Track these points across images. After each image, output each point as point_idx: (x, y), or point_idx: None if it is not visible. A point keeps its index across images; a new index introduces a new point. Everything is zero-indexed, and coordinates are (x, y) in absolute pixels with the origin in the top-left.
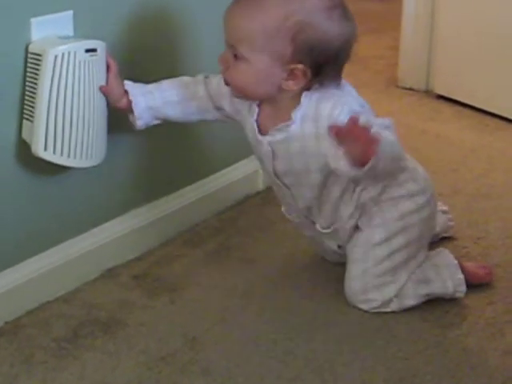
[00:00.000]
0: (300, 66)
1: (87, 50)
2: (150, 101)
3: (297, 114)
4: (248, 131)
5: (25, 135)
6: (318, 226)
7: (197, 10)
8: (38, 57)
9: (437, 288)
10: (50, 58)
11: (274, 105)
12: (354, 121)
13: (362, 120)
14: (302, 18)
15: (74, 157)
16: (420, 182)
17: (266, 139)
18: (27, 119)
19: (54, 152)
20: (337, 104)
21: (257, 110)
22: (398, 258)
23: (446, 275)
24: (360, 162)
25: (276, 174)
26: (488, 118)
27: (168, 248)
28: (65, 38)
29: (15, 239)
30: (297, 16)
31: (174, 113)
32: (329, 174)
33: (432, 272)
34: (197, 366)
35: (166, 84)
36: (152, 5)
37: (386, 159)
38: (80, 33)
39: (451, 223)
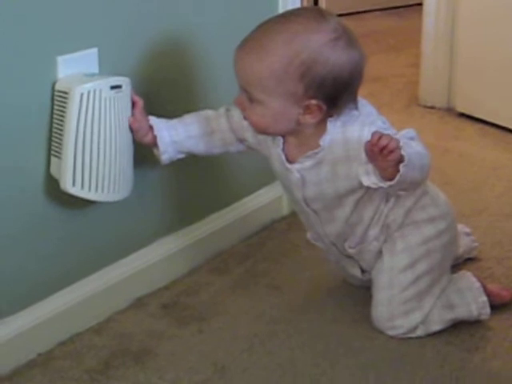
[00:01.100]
0: (314, 102)
1: (112, 87)
2: (174, 136)
3: (325, 141)
4: (274, 161)
5: (53, 171)
6: (346, 246)
7: (214, 45)
8: (65, 94)
9: (461, 312)
10: (77, 96)
11: (299, 135)
12: (378, 134)
13: (388, 133)
14: (308, 55)
15: (102, 191)
16: (441, 206)
17: (295, 167)
18: (55, 155)
19: (82, 187)
20: (364, 125)
21: (281, 140)
22: (422, 284)
23: (469, 299)
24: (390, 173)
25: (306, 201)
26: (510, 136)
27: (195, 276)
28: (90, 76)
29: (46, 272)
30: (302, 55)
31: (198, 147)
32: (360, 197)
33: (456, 296)
34: None
35: (188, 118)
36: (173, 40)
37: (414, 169)
38: (105, 69)
39: (475, 244)
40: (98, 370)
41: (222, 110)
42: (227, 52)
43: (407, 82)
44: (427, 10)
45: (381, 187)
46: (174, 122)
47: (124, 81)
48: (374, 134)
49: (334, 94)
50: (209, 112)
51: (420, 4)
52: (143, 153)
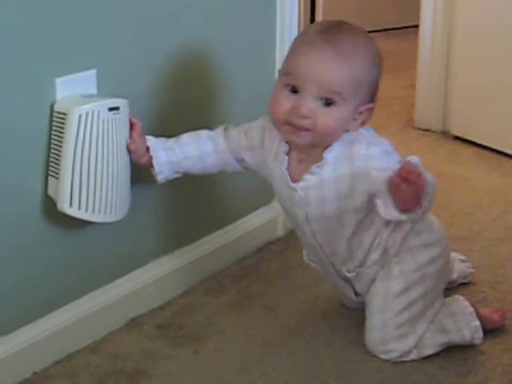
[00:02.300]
0: (370, 106)
1: (110, 109)
2: (171, 156)
3: (329, 155)
4: (275, 180)
5: (51, 192)
6: (344, 270)
7: (214, 64)
8: (63, 116)
9: (454, 337)
10: (75, 117)
11: (306, 151)
12: (409, 165)
13: (414, 163)
14: (380, 62)
15: (99, 212)
16: (435, 232)
17: (299, 185)
18: (53, 176)
19: (79, 208)
20: (370, 144)
21: (286, 158)
22: (416, 309)
23: (462, 324)
24: (409, 205)
25: (308, 221)
26: (505, 160)
27: (190, 297)
28: (88, 97)
29: (42, 292)
30: (378, 61)
31: (195, 167)
32: (361, 219)
33: (448, 321)
34: None
35: (185, 139)
36: (171, 62)
37: (431, 200)
38: (103, 91)
39: (470, 270)
40: None
41: (219, 130)
42: (226, 70)
43: (404, 105)
44: (423, 32)
45: (401, 220)
46: (171, 142)
47: (122, 103)
48: (406, 162)
49: (375, 97)
50: (206, 132)
51: (417, 26)
52: (139, 174)
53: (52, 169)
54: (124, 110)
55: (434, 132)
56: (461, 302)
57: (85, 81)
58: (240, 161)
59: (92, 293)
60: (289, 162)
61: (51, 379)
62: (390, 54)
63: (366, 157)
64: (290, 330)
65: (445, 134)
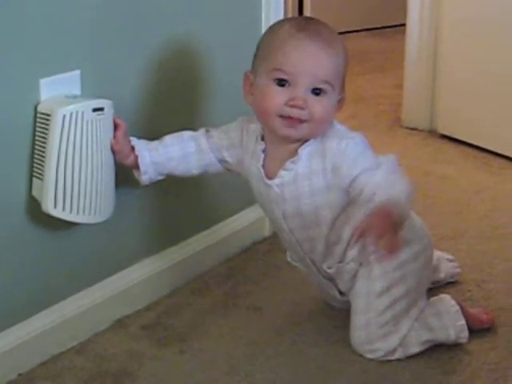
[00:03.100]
0: (344, 95)
1: (94, 110)
2: (155, 156)
3: (303, 151)
4: (253, 179)
5: (35, 193)
6: (324, 266)
7: (199, 64)
8: (47, 116)
9: (439, 335)
10: (59, 118)
11: (281, 148)
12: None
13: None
14: (346, 60)
15: (83, 213)
16: (416, 229)
17: (274, 182)
18: (37, 177)
19: (64, 209)
20: (343, 138)
21: (262, 155)
22: (399, 307)
23: (447, 322)
24: (391, 248)
25: (285, 219)
26: (492, 158)
27: (176, 297)
28: (72, 98)
29: (27, 293)
30: (345, 50)
31: (178, 168)
32: (337, 215)
33: (434, 320)
34: None
35: (169, 140)
36: (155, 62)
37: (406, 207)
38: (87, 91)
39: (457, 270)
40: None
41: (201, 131)
42: (211, 70)
43: (391, 104)
44: (410, 31)
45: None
46: (155, 143)
47: (106, 103)
48: (371, 219)
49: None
50: (188, 133)
51: (404, 25)
52: (124, 175)
53: (36, 170)
54: (108, 111)
55: (421, 131)
56: (447, 301)
57: (69, 81)
58: (222, 161)
59: (77, 294)
60: (265, 160)
61: (36, 381)
62: (377, 54)
63: (337, 152)
64: (277, 330)
65: (432, 132)
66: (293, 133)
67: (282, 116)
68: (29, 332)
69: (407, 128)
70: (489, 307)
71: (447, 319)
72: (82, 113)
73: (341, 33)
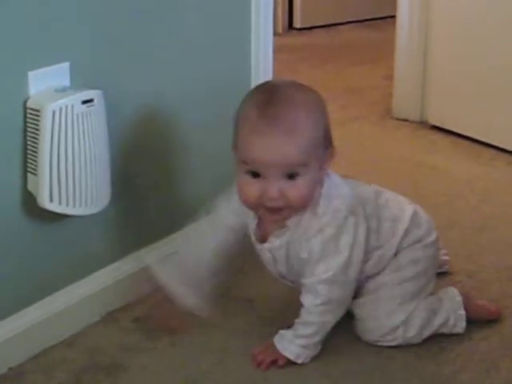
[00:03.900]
0: (330, 151)
1: (84, 102)
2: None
3: (290, 221)
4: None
5: (30, 187)
6: None
7: (191, 56)
8: (37, 112)
9: (439, 319)
10: (49, 113)
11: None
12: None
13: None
14: (323, 117)
15: (80, 205)
16: (423, 226)
17: (264, 247)
18: (31, 172)
19: (60, 203)
20: (323, 228)
21: (256, 220)
22: (407, 288)
23: (448, 308)
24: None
25: (281, 276)
26: (482, 149)
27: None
28: (61, 91)
29: (19, 286)
30: (321, 118)
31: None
32: None
33: (436, 304)
34: None
35: (188, 259)
36: (146, 52)
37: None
38: (77, 83)
39: (446, 258)
40: None
41: (203, 222)
42: (204, 59)
43: (382, 95)
44: (400, 22)
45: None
46: (179, 273)
47: (96, 94)
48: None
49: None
50: (197, 236)
51: (394, 16)
52: (120, 164)
53: (30, 165)
54: (98, 102)
55: (412, 122)
56: (451, 290)
57: (58, 73)
58: (231, 230)
59: (69, 287)
60: (259, 223)
61: (27, 374)
62: (368, 45)
63: (310, 239)
64: (268, 321)
65: (423, 123)
66: (278, 217)
67: (262, 206)
68: (20, 325)
69: (398, 119)
70: (480, 298)
71: (449, 305)
72: (72, 106)
73: (332, 25)
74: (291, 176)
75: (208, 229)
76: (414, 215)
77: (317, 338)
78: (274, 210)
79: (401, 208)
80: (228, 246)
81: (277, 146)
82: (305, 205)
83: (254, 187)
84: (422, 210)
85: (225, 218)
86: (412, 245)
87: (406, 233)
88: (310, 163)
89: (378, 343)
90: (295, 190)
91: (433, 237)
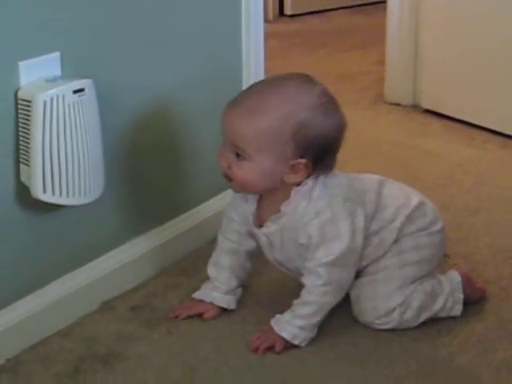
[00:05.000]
0: (302, 161)
1: (75, 91)
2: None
3: (286, 208)
4: (250, 226)
5: (23, 178)
6: None
7: (182, 45)
8: (28, 103)
9: (437, 301)
10: (40, 104)
11: (270, 197)
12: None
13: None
14: (300, 117)
15: (73, 195)
16: (429, 215)
17: (261, 231)
18: (24, 163)
19: (53, 193)
20: (319, 214)
21: (255, 205)
22: (408, 272)
23: (447, 290)
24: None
25: (278, 263)
26: (475, 132)
27: (164, 278)
28: (52, 81)
29: (14, 277)
30: (295, 116)
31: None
32: None
33: (435, 285)
34: None
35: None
36: (137, 41)
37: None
38: (68, 72)
39: None
40: (67, 374)
41: (221, 238)
42: (195, 47)
43: (373, 80)
44: (391, 8)
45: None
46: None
47: (87, 83)
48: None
49: (321, 155)
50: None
51: (385, 1)
52: (112, 155)
53: (23, 156)
54: (89, 91)
55: (404, 106)
56: (450, 273)
57: (49, 63)
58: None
59: (64, 276)
60: (257, 208)
61: (24, 365)
62: (359, 31)
63: (304, 228)
64: (264, 308)
65: (415, 107)
66: (232, 187)
67: None
68: (16, 316)
69: (390, 103)
70: (475, 280)
71: (448, 289)
72: (63, 96)
73: (323, 11)
74: (238, 155)
75: (221, 238)
76: (421, 204)
77: (315, 320)
78: (226, 177)
79: (407, 196)
80: (241, 248)
81: (230, 122)
82: (246, 189)
83: (219, 153)
84: (429, 201)
85: (231, 222)
86: (416, 232)
87: (410, 220)
88: (256, 154)
89: (374, 325)
90: (238, 169)
91: (438, 226)
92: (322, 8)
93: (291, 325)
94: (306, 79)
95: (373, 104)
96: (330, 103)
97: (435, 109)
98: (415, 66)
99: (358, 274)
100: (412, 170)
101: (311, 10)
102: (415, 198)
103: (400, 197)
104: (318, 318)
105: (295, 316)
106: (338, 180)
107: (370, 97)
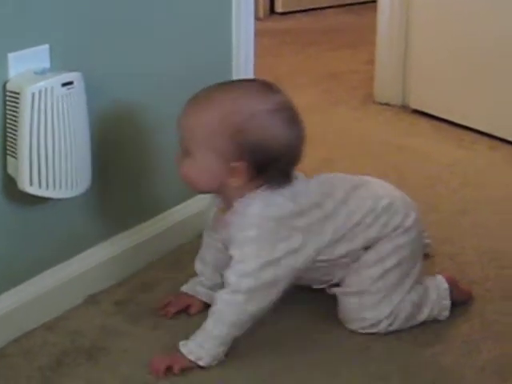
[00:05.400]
0: (240, 164)
1: (64, 84)
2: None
3: (231, 219)
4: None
5: (10, 171)
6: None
7: (169, 38)
8: (16, 95)
9: (423, 311)
10: (28, 96)
11: (225, 203)
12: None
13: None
14: (240, 119)
15: (60, 188)
16: (400, 211)
17: (217, 237)
18: (11, 155)
19: (40, 186)
20: (242, 229)
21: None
22: (391, 277)
23: (433, 299)
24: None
25: None
26: (464, 132)
27: (150, 272)
28: (41, 74)
29: None
30: (234, 117)
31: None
32: None
33: (422, 294)
34: None
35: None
36: (127, 33)
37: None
38: (57, 65)
39: (427, 241)
40: (50, 368)
41: (205, 234)
42: (185, 43)
43: (363, 79)
44: (381, 7)
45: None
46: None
47: (76, 76)
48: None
49: (262, 163)
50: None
51: (375, 1)
52: (98, 149)
53: (10, 148)
54: (78, 84)
55: (393, 106)
56: (438, 279)
57: (38, 56)
58: None
59: (50, 269)
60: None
61: (7, 357)
62: (349, 30)
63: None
64: None
65: (404, 107)
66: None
67: None
68: (1, 308)
69: (379, 103)
70: (461, 280)
71: (435, 297)
72: (52, 88)
73: (313, 9)
74: (183, 153)
75: (205, 234)
76: (389, 204)
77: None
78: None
79: (376, 199)
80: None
81: (180, 117)
82: (192, 187)
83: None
84: (401, 195)
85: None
86: (392, 232)
87: (383, 223)
88: (200, 150)
89: (360, 331)
90: (181, 165)
91: (412, 217)
92: (312, 6)
93: (192, 341)
94: (266, 87)
95: (362, 104)
96: (282, 113)
97: (424, 109)
98: (404, 66)
99: (342, 281)
100: (400, 169)
101: (302, 8)
102: (385, 199)
103: (367, 200)
104: (217, 332)
105: (198, 332)
106: (282, 198)
107: (359, 96)
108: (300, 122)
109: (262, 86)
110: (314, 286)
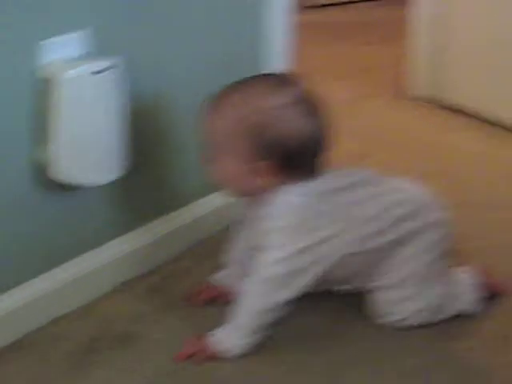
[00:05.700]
0: (262, 163)
1: (97, 71)
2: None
3: (262, 211)
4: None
5: (42, 158)
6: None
7: (209, 23)
8: (50, 82)
9: (452, 304)
10: (61, 83)
11: (254, 198)
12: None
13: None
14: (257, 119)
15: (92, 175)
16: (431, 207)
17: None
18: (43, 143)
19: (71, 173)
20: (272, 216)
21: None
22: (423, 272)
23: (462, 292)
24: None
25: None
26: (496, 129)
27: (181, 262)
28: (73, 61)
29: (30, 254)
30: (251, 118)
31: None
32: None
33: (451, 288)
34: (207, 380)
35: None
36: (163, 21)
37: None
38: (89, 52)
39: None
40: (80, 354)
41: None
42: (220, 34)
43: (395, 74)
44: (414, 0)
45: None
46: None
47: (109, 64)
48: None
49: (286, 158)
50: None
51: None
52: (139, 132)
53: (41, 135)
54: (111, 71)
55: (426, 101)
56: (468, 270)
57: (71, 43)
58: None
59: (82, 256)
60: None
61: (38, 343)
62: (383, 23)
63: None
64: None
65: (437, 103)
66: None
67: None
68: (30, 294)
69: (412, 98)
70: (494, 275)
71: (465, 289)
72: (85, 76)
73: (345, 3)
74: (209, 156)
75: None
76: (420, 202)
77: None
78: None
79: (407, 196)
80: None
81: (205, 120)
82: (228, 185)
83: None
84: (431, 191)
85: None
86: (425, 228)
87: (414, 219)
88: (222, 154)
89: (390, 325)
90: (213, 170)
91: (442, 214)
92: (343, 0)
93: (219, 332)
94: (281, 80)
95: (394, 99)
96: (299, 105)
97: (457, 105)
98: (437, 61)
99: (373, 278)
100: (433, 166)
101: (332, 2)
102: (416, 194)
103: (399, 194)
104: (242, 321)
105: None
106: (311, 189)
107: (391, 92)
108: (320, 113)
109: (277, 80)
110: (342, 287)
